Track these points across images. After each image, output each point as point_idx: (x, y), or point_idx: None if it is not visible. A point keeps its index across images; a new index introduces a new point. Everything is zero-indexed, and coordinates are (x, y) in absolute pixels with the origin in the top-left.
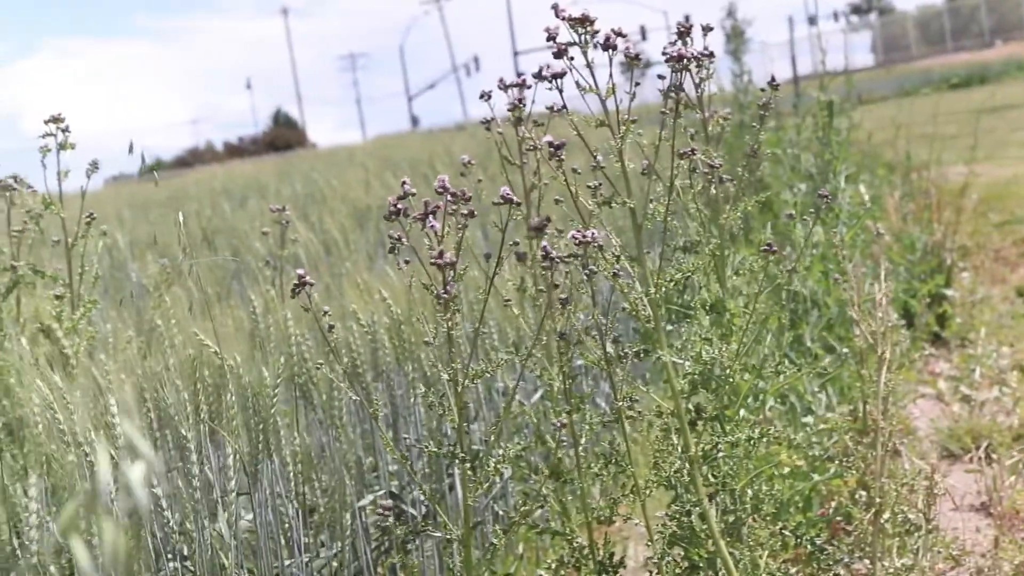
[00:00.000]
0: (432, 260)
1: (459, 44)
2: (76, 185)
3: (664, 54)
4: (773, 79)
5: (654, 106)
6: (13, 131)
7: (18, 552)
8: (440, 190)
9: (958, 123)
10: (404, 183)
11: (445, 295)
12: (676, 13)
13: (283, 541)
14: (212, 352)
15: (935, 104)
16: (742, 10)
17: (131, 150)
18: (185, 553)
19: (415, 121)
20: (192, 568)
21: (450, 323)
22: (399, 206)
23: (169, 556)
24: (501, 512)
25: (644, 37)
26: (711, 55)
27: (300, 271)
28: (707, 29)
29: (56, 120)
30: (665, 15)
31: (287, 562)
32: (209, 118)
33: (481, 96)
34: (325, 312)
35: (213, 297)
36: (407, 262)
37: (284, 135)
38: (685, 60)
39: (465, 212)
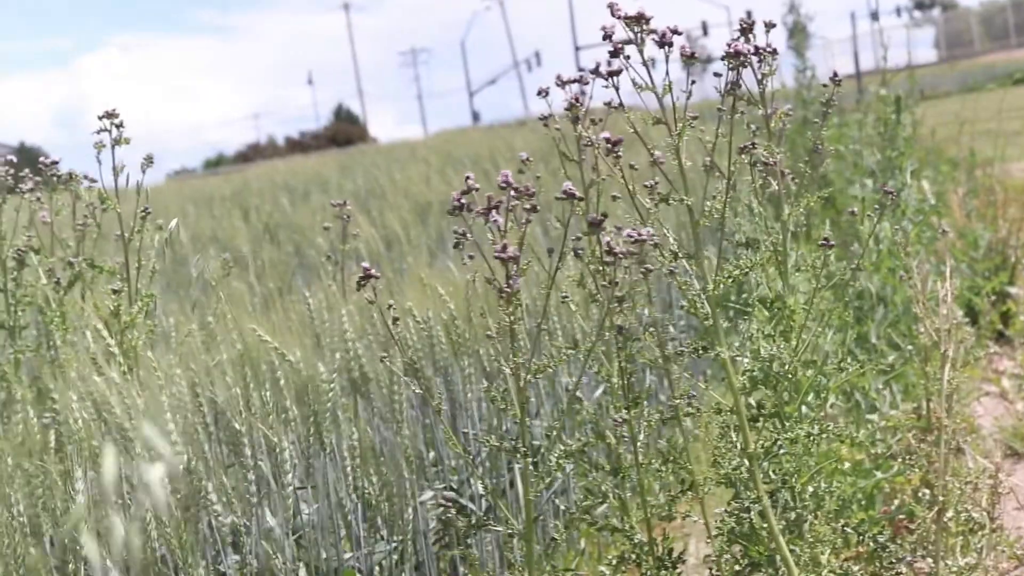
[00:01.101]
0: (495, 254)
1: (520, 39)
2: (137, 180)
3: (724, 51)
4: (835, 75)
5: (715, 102)
6: (77, 126)
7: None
8: (503, 185)
9: (1022, 119)
10: (468, 178)
11: (508, 290)
12: (738, 9)
13: (343, 535)
14: (272, 347)
15: (999, 100)
16: (804, 6)
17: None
18: (242, 547)
19: (476, 116)
20: (249, 562)
21: (512, 318)
22: (462, 201)
23: (227, 550)
24: (563, 508)
25: (706, 33)
26: (773, 51)
27: (365, 264)
28: (769, 25)
29: (111, 116)
30: (727, 11)
31: (347, 556)
32: (271, 113)
33: (539, 93)
34: (390, 306)
35: (275, 291)
36: (471, 257)
37: (345, 130)
38: (744, 57)
39: (527, 207)
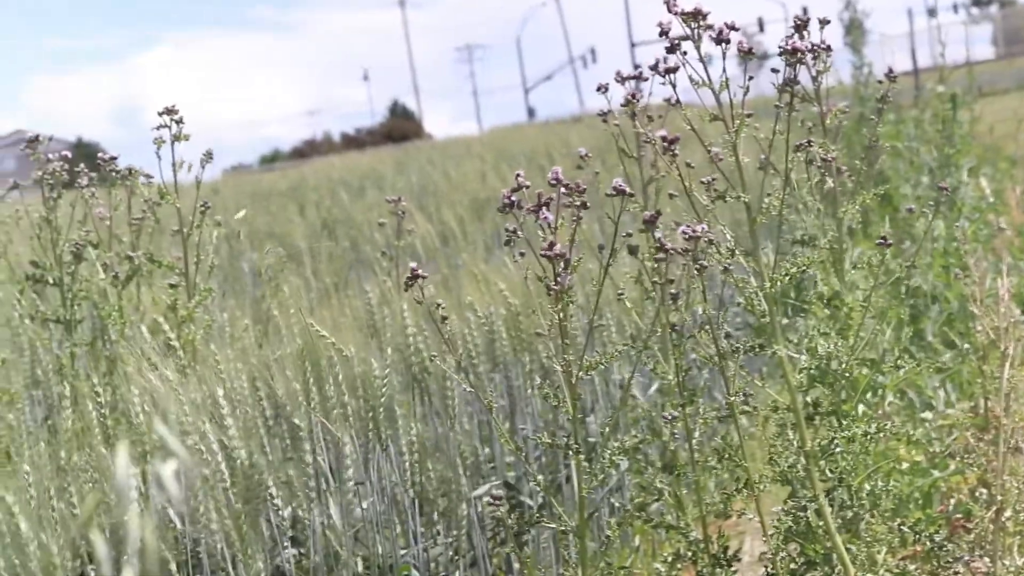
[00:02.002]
0: (542, 251)
1: (576, 35)
2: (194, 175)
3: (779, 48)
4: (891, 71)
5: (771, 99)
6: (133, 123)
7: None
8: (553, 182)
9: None
10: (518, 175)
11: (556, 287)
12: (794, 5)
13: (398, 530)
14: (328, 342)
15: None
16: (861, 2)
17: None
18: (300, 541)
19: (531, 113)
20: (307, 556)
21: (562, 315)
22: (513, 198)
23: (285, 544)
24: (617, 504)
25: (761, 29)
26: (828, 48)
27: (413, 264)
28: (824, 22)
29: (170, 112)
30: (784, 7)
31: (402, 551)
32: (327, 109)
33: (598, 89)
34: (439, 305)
35: (331, 287)
36: (522, 254)
37: (401, 126)
38: (800, 54)
39: (578, 204)
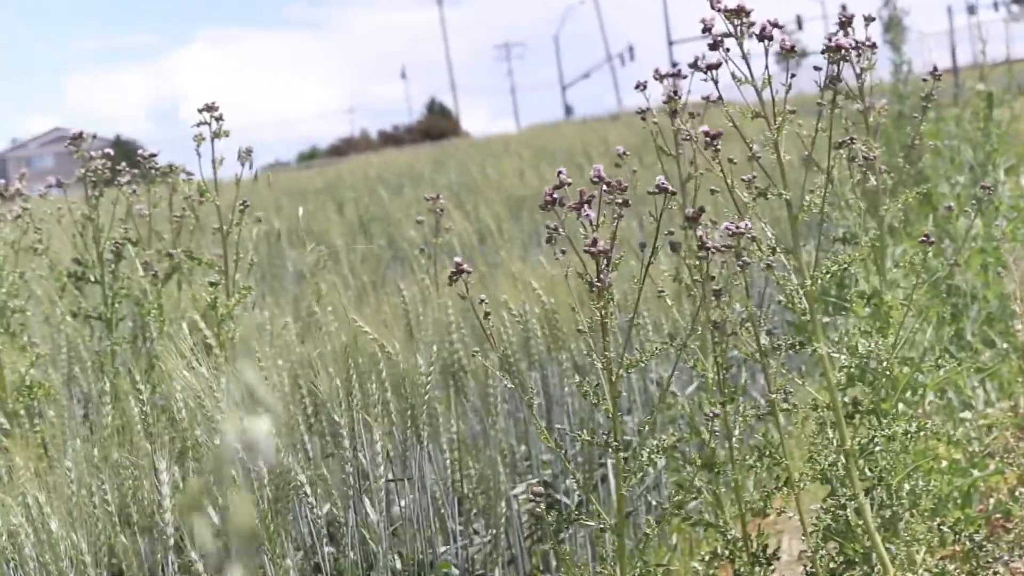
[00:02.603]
0: (586, 248)
1: (613, 33)
2: (233, 172)
3: (823, 45)
4: (935, 69)
5: (809, 96)
6: (170, 120)
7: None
8: (595, 179)
9: None
10: (560, 172)
11: (599, 284)
12: (833, 3)
13: (436, 527)
14: (368, 339)
15: None
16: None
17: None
18: (338, 538)
19: (569, 110)
20: (344, 554)
21: (604, 312)
22: (555, 196)
23: (323, 541)
24: (654, 503)
25: (800, 27)
26: (872, 45)
27: (457, 259)
28: (869, 19)
29: (210, 109)
30: (822, 4)
31: (440, 549)
32: (364, 107)
33: (637, 86)
34: (482, 300)
35: (368, 284)
36: (563, 252)
37: (438, 124)
38: (844, 51)
39: (619, 202)
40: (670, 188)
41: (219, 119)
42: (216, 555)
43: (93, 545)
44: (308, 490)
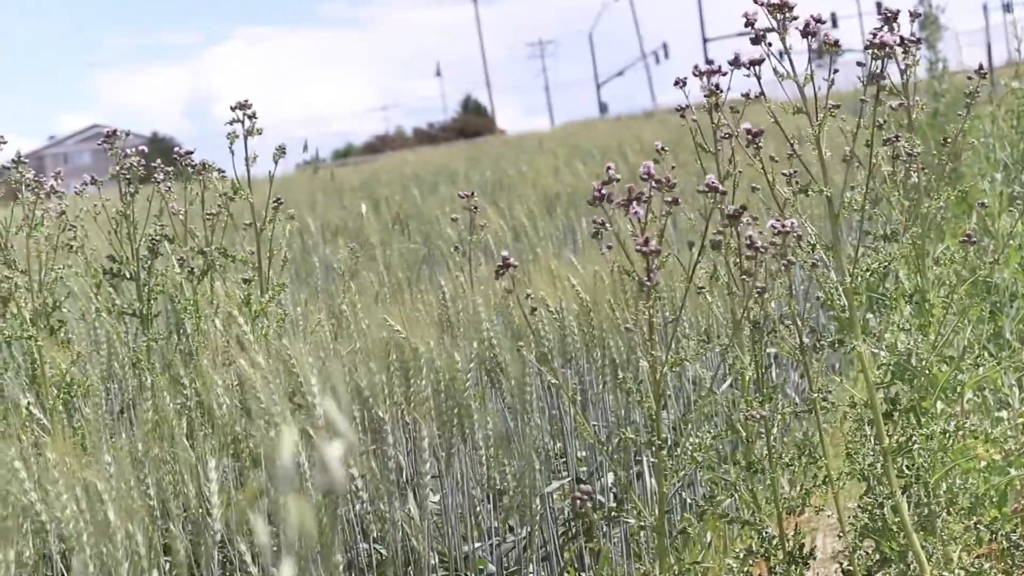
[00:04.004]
0: (637, 248)
1: (648, 31)
2: (266, 169)
3: (866, 41)
4: (981, 67)
5: (846, 93)
6: (206, 118)
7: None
8: (644, 176)
9: None
10: (608, 168)
11: (648, 283)
12: (866, 1)
13: (472, 524)
14: (402, 336)
15: None
16: None
17: (305, 148)
18: (377, 534)
19: (603, 108)
20: (383, 549)
21: (651, 311)
22: (603, 191)
23: (361, 536)
24: (689, 500)
25: (835, 24)
26: (917, 41)
27: (505, 253)
28: (915, 15)
29: (243, 106)
30: (857, 2)
31: (476, 545)
32: (399, 104)
33: (676, 83)
34: (528, 295)
35: (403, 281)
36: (609, 247)
37: (473, 122)
38: (888, 48)
39: (668, 200)
40: (720, 188)
41: (252, 117)
42: (269, 552)
43: (146, 536)
44: (359, 484)
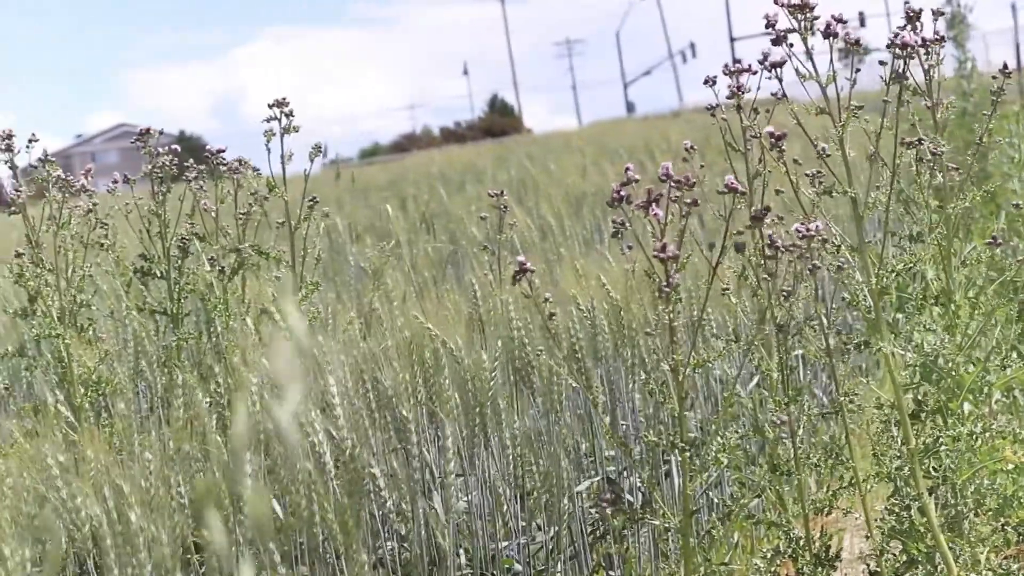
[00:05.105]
0: (655, 253)
1: (675, 30)
2: (294, 168)
3: (889, 40)
4: (1006, 66)
5: (871, 93)
6: (234, 116)
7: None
8: (663, 177)
9: None
10: (627, 169)
11: (667, 288)
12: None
13: (500, 523)
14: (431, 335)
15: None
16: None
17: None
18: (402, 533)
19: (630, 107)
20: (409, 548)
21: (671, 314)
22: (622, 193)
23: (387, 535)
24: (716, 500)
25: (863, 24)
26: (941, 39)
27: (520, 258)
28: (938, 14)
29: (280, 104)
30: (885, 2)
31: (503, 544)
32: (426, 103)
33: (705, 82)
34: (546, 299)
35: (430, 280)
36: (630, 247)
37: (500, 121)
38: (910, 48)
39: (688, 201)
40: (740, 188)
41: (288, 115)
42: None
43: (171, 537)
44: (382, 483)
